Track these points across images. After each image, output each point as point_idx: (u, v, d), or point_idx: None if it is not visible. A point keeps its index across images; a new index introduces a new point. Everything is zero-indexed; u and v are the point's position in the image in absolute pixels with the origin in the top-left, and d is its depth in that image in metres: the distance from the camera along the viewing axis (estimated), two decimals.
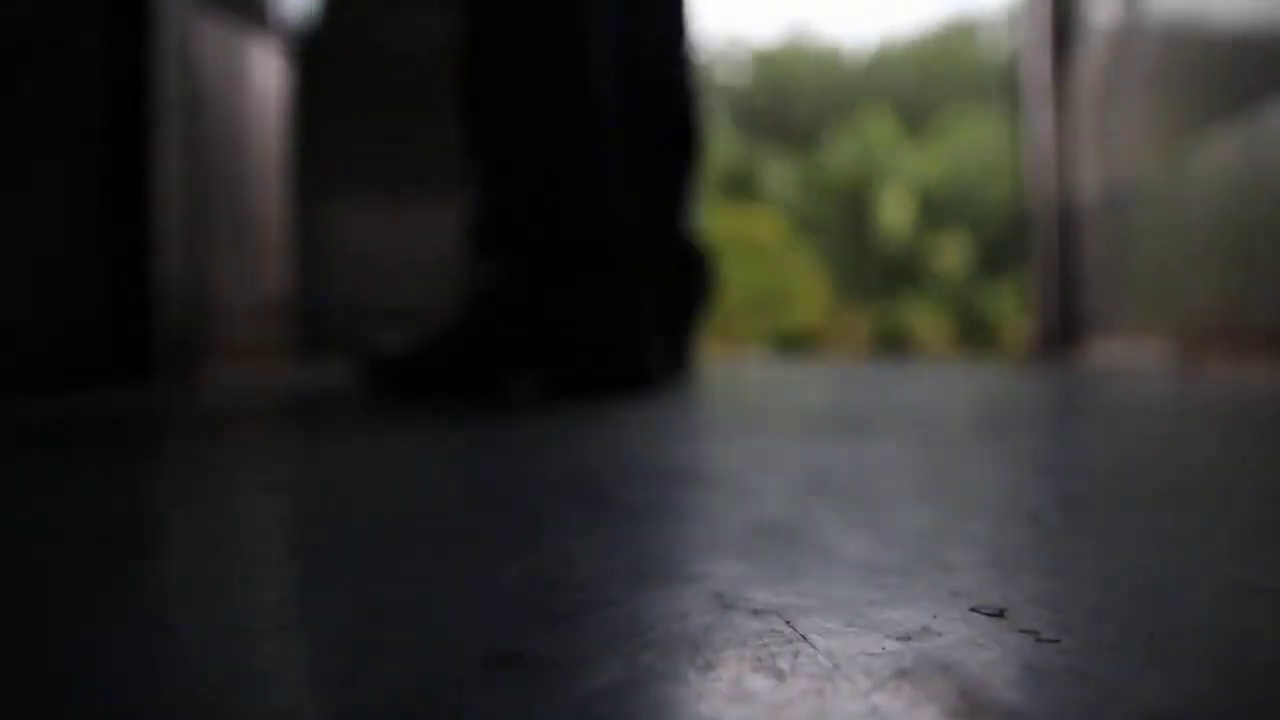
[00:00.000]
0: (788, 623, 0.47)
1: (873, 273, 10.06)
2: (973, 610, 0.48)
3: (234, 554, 0.64)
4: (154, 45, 2.40)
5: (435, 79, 5.30)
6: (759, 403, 1.90)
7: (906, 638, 0.44)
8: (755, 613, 0.48)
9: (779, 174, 10.27)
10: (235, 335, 2.63)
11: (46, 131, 2.39)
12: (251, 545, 0.68)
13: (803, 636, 0.45)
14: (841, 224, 10.12)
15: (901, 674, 0.39)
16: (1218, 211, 3.32)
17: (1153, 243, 4.00)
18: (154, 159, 2.39)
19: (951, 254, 9.84)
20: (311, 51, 4.87)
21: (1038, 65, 5.18)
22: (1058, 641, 0.44)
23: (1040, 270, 5.21)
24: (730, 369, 3.66)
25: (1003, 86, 5.27)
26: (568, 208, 1.68)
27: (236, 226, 2.68)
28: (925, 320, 9.90)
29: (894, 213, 9.92)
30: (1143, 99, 4.10)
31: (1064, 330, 5.01)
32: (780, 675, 0.40)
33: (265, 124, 2.78)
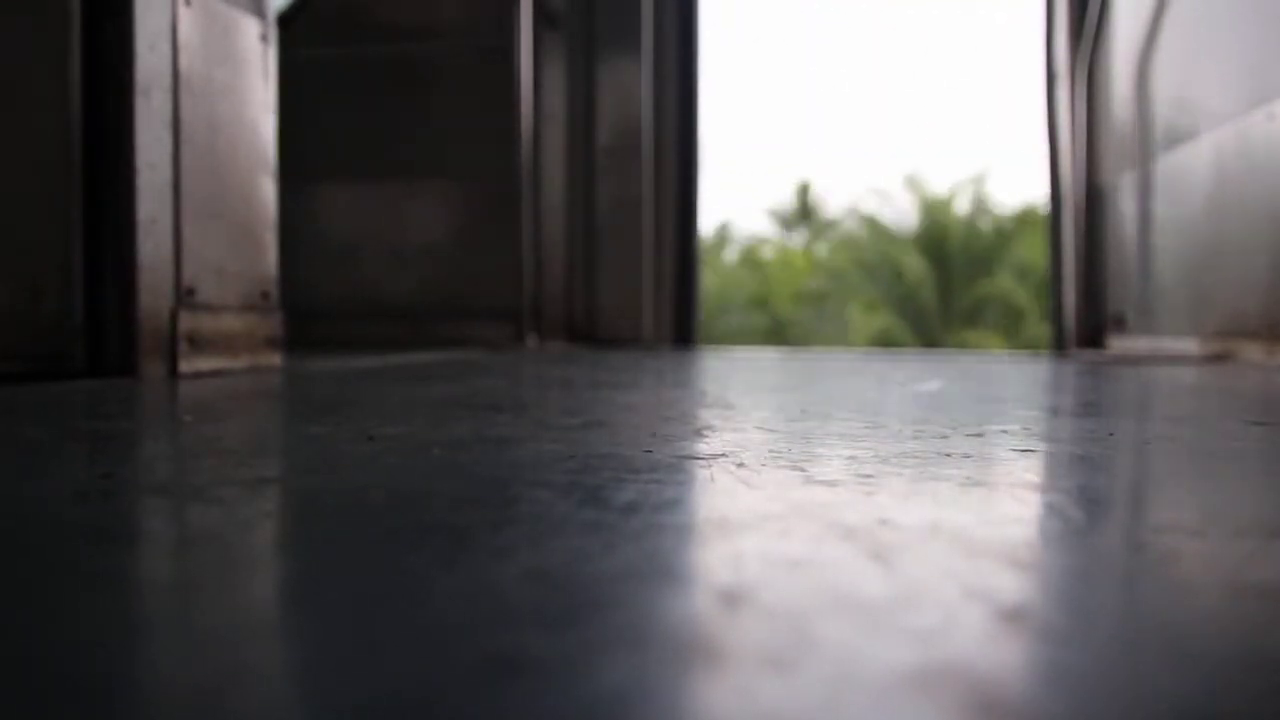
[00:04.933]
0: None
1: None
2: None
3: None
4: (136, 20, 2.40)
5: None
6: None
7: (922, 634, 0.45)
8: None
9: None
10: (221, 327, 2.63)
11: (18, 109, 2.39)
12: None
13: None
14: None
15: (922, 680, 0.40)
16: (1262, 201, 3.31)
17: (1185, 232, 3.99)
18: (136, 141, 2.39)
19: None
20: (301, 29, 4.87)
21: (1060, 51, 5.17)
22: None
23: (1065, 259, 5.20)
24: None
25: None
26: None
27: (224, 211, 2.68)
28: None
29: None
30: (1175, 84, 4.09)
31: (1089, 319, 5.01)
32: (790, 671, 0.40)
33: (254, 106, 2.77)
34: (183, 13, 2.54)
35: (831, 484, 0.87)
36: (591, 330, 5.57)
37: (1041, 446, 1.15)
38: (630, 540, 0.65)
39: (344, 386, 2.18)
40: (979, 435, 1.23)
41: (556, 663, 0.41)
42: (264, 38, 2.89)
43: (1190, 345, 3.74)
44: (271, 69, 2.92)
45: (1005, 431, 1.28)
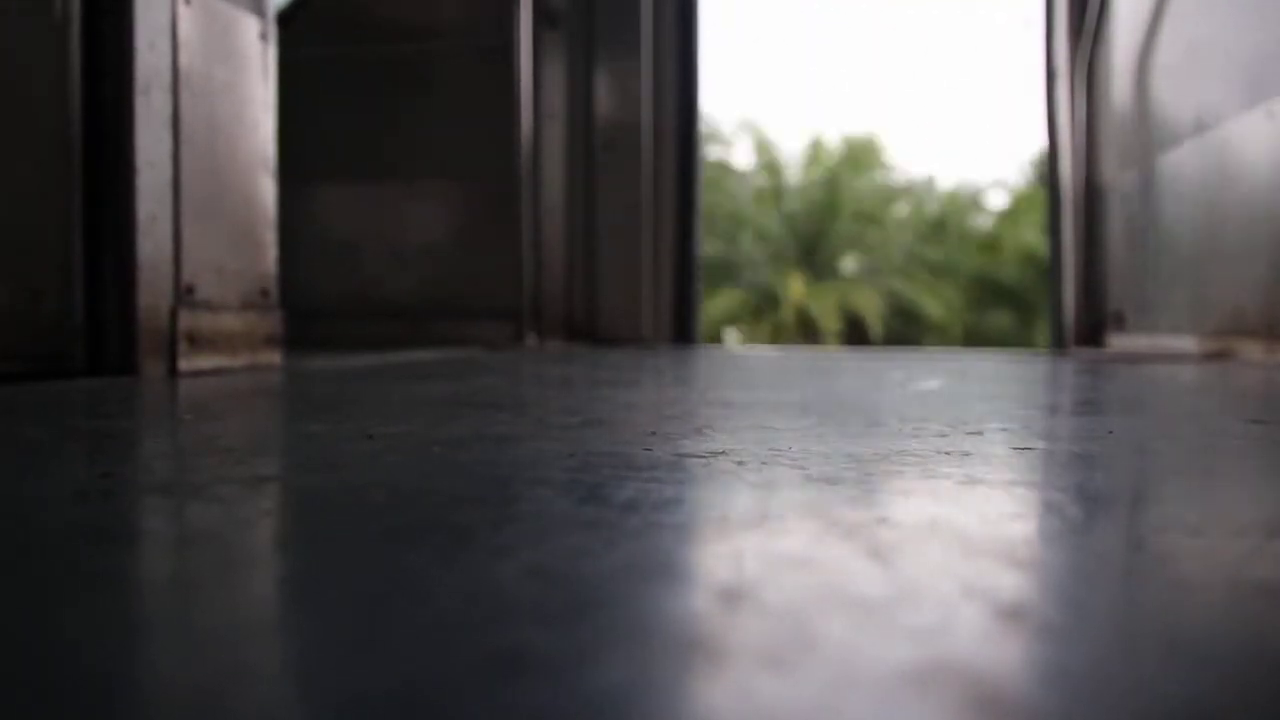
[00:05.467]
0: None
1: None
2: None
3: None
4: (135, 18, 2.40)
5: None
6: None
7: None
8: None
9: None
10: (221, 326, 2.63)
11: (17, 107, 2.39)
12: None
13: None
14: None
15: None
16: (1262, 199, 3.31)
17: (1185, 230, 3.99)
18: (136, 139, 2.39)
19: None
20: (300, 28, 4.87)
21: (1060, 49, 5.17)
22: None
23: (1065, 257, 5.20)
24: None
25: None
26: None
27: (224, 210, 2.68)
28: None
29: None
30: (1175, 82, 4.09)
31: (1089, 317, 5.01)
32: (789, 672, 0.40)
33: (254, 104, 2.77)
34: (182, 11, 2.54)
35: (831, 482, 0.87)
36: (591, 329, 5.57)
37: (1040, 444, 1.16)
38: (630, 538, 0.65)
39: (343, 385, 2.18)
40: (978, 433, 1.24)
41: (558, 660, 0.41)
42: (264, 36, 2.89)
43: (1189, 343, 3.74)
44: (271, 68, 2.92)
45: (1004, 430, 1.28)
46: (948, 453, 1.05)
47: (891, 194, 21.74)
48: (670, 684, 0.40)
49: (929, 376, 2.49)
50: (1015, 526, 0.70)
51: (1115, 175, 4.74)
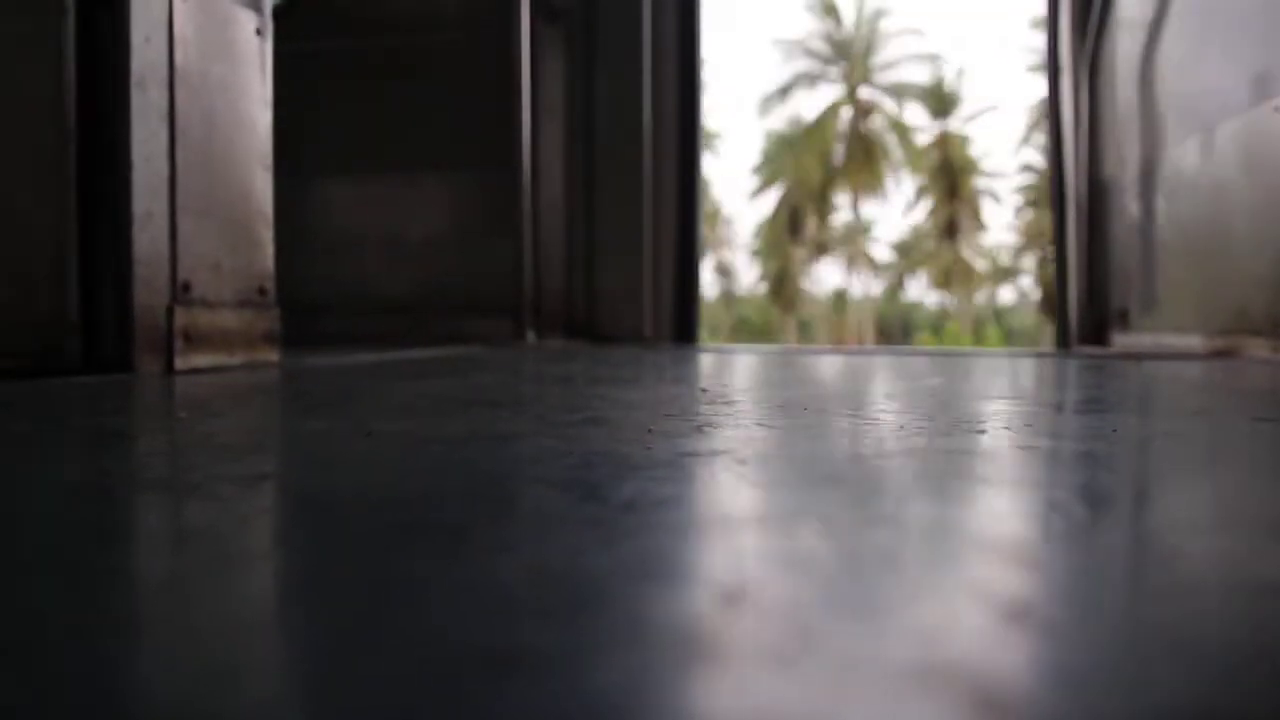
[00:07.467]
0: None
1: None
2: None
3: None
4: (131, 12, 2.39)
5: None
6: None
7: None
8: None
9: None
10: (218, 323, 2.63)
11: (11, 101, 2.39)
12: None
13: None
14: None
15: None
16: (1268, 195, 3.31)
17: (1189, 228, 3.98)
18: (132, 134, 2.39)
19: None
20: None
21: (1064, 44, 5.16)
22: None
23: (1069, 255, 5.20)
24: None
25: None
26: None
27: (220, 206, 2.67)
28: None
29: None
30: (1180, 77, 4.08)
31: (1092, 314, 5.00)
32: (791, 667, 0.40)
33: (250, 100, 2.77)
34: (179, 6, 2.54)
35: (833, 481, 0.87)
36: (591, 326, 5.57)
37: (1044, 443, 1.16)
38: (630, 537, 0.65)
39: (342, 382, 2.18)
40: (981, 432, 1.23)
41: (557, 658, 0.41)
42: (260, 31, 2.89)
43: (1194, 341, 3.74)
44: (268, 63, 2.92)
45: (1008, 428, 1.28)
46: (951, 451, 1.05)
47: None
48: (669, 683, 0.40)
49: (932, 374, 2.49)
50: (1019, 526, 0.70)
51: (1119, 172, 4.73)
